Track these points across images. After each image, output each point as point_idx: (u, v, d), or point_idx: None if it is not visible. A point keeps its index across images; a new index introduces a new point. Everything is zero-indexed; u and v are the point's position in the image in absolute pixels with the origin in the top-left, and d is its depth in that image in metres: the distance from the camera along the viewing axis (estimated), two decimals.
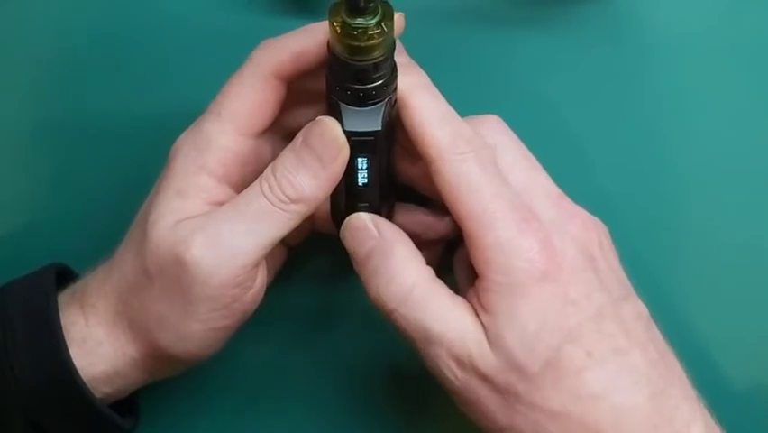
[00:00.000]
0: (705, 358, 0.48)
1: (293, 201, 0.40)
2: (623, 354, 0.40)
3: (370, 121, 0.40)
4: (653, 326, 0.42)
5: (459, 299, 0.41)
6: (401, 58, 0.41)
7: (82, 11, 0.51)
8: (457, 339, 0.40)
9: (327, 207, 0.44)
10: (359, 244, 0.42)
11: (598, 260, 0.42)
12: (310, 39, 0.41)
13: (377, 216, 0.43)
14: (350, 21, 0.38)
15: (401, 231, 0.42)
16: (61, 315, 0.42)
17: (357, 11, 0.37)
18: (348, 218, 0.43)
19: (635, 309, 0.42)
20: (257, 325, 0.44)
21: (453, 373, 0.40)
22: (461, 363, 0.40)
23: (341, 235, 0.43)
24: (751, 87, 0.49)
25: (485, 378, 0.40)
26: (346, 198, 0.42)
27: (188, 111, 0.43)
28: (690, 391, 0.41)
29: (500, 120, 0.43)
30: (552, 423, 0.39)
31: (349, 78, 0.39)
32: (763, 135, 0.49)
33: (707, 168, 0.49)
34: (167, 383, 0.45)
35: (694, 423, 0.39)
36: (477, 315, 0.40)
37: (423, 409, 0.49)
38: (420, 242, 0.45)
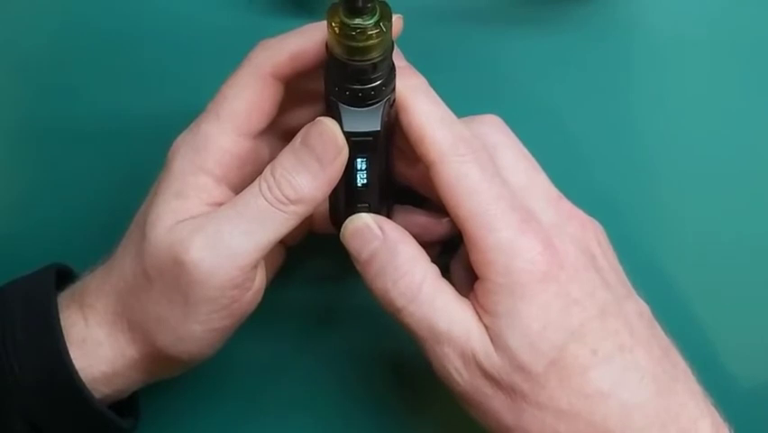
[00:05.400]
0: (707, 357, 0.48)
1: (292, 202, 0.40)
2: (628, 351, 0.40)
3: (368, 121, 0.40)
4: (655, 323, 0.42)
5: (464, 299, 0.41)
6: (399, 62, 0.41)
7: (82, 12, 0.51)
8: (463, 337, 0.40)
9: (325, 207, 0.44)
10: (362, 244, 0.42)
11: (599, 259, 0.42)
12: (308, 39, 0.41)
13: (378, 216, 0.42)
14: (348, 21, 0.38)
15: (404, 230, 0.42)
16: (61, 316, 0.42)
17: (355, 11, 0.37)
18: (349, 219, 0.42)
19: (638, 307, 0.42)
20: (256, 325, 0.44)
21: (460, 374, 0.40)
22: (467, 362, 0.40)
23: (341, 237, 0.42)
24: (751, 87, 0.49)
25: (490, 378, 0.40)
26: (345, 198, 0.42)
27: (188, 111, 0.43)
28: (696, 387, 0.41)
29: (500, 120, 0.43)
30: (559, 422, 0.39)
31: (348, 79, 0.39)
32: (765, 134, 0.49)
33: (707, 167, 0.49)
34: (167, 383, 0.45)
35: (701, 419, 0.40)
36: (479, 316, 0.40)
37: (424, 409, 0.49)
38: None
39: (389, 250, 0.41)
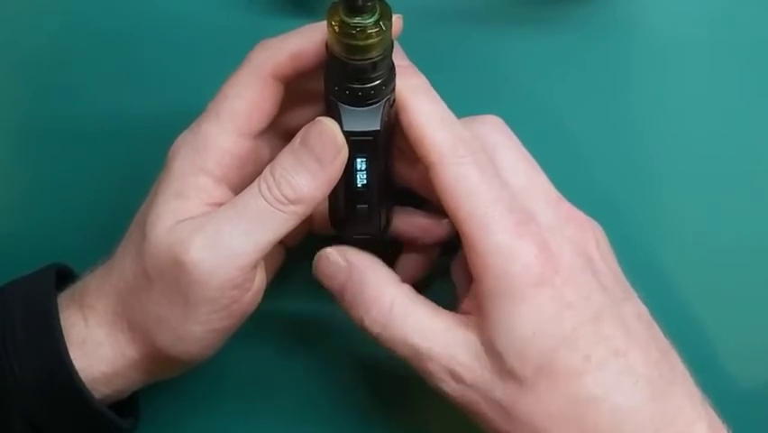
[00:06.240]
0: (707, 357, 0.48)
1: (291, 202, 0.40)
2: (622, 355, 0.40)
3: (368, 121, 0.40)
4: (654, 325, 0.42)
5: (443, 312, 0.41)
6: (400, 61, 0.41)
7: (82, 12, 0.51)
8: (444, 353, 0.40)
9: (325, 207, 0.44)
10: (330, 279, 0.43)
11: (597, 261, 0.42)
12: (308, 39, 0.41)
13: (342, 247, 0.43)
14: (348, 20, 0.38)
15: (371, 256, 0.43)
16: (61, 316, 0.42)
17: (355, 10, 0.37)
18: (315, 257, 0.43)
19: (636, 310, 0.42)
20: (256, 325, 0.44)
21: (449, 386, 0.41)
22: (453, 375, 0.40)
23: (314, 275, 0.44)
24: (751, 87, 0.49)
25: (478, 389, 0.40)
26: (345, 199, 0.42)
27: (188, 111, 0.43)
28: (694, 390, 0.41)
29: (500, 120, 0.43)
30: (550, 427, 0.39)
31: (347, 78, 0.39)
32: (765, 134, 0.49)
33: (707, 167, 0.49)
34: (167, 383, 0.45)
35: (697, 422, 0.40)
36: (469, 323, 0.41)
37: (425, 409, 0.49)
38: (417, 245, 0.45)
39: (356, 281, 0.42)
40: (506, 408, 0.40)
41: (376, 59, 0.38)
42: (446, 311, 0.42)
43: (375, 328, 0.42)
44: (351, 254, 0.43)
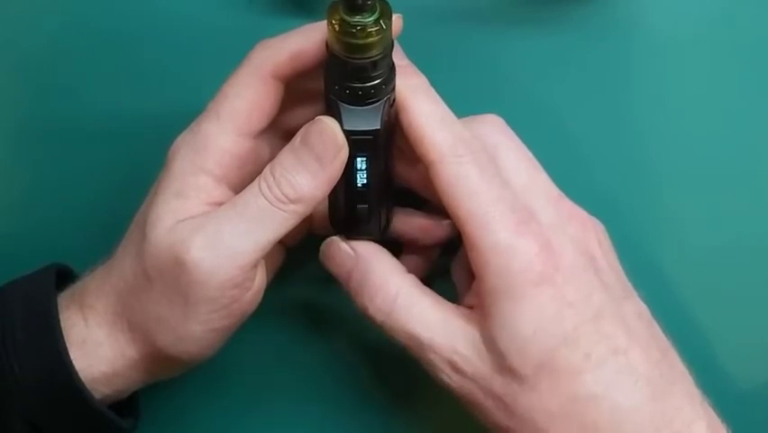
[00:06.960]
0: (707, 357, 0.48)
1: (292, 201, 0.40)
2: (622, 354, 0.40)
3: (368, 120, 0.40)
4: (655, 324, 0.42)
5: (446, 305, 0.42)
6: (400, 60, 0.41)
7: (82, 12, 0.51)
8: (446, 345, 0.40)
9: (325, 207, 0.44)
10: (338, 266, 0.43)
11: (599, 260, 0.42)
12: (308, 39, 0.41)
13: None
14: (348, 18, 0.38)
15: (377, 245, 0.43)
16: (61, 316, 0.42)
17: (355, 9, 0.38)
18: (322, 245, 0.44)
19: (636, 309, 0.42)
20: (256, 325, 0.44)
21: (449, 377, 0.41)
22: (455, 367, 0.40)
23: (321, 260, 0.44)
24: (751, 87, 0.49)
25: (478, 382, 0.40)
26: (345, 198, 0.42)
27: (188, 111, 0.43)
28: (693, 390, 0.41)
29: (501, 120, 0.43)
30: (551, 424, 0.39)
31: (348, 77, 0.39)
32: (765, 134, 0.49)
33: (707, 167, 0.49)
34: (167, 383, 0.45)
35: (696, 422, 0.40)
36: (471, 318, 0.41)
37: (426, 406, 0.49)
38: (417, 246, 0.45)
39: (363, 269, 0.42)
40: (506, 403, 0.40)
41: (376, 57, 0.38)
42: (450, 304, 0.42)
43: (379, 317, 0.42)
44: (357, 244, 0.43)
